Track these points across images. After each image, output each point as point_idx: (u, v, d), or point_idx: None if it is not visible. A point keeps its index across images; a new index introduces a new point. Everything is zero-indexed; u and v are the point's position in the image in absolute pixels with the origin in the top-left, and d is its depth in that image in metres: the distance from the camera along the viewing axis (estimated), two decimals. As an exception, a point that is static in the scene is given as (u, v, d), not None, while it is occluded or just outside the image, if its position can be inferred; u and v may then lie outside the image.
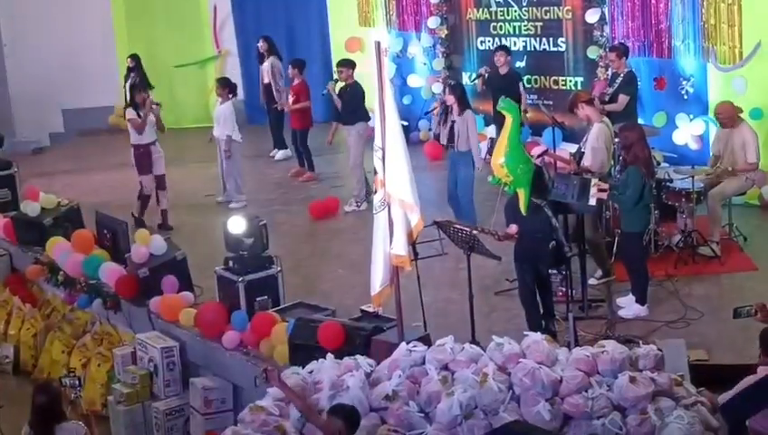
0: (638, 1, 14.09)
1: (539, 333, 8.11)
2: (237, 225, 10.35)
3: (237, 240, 10.40)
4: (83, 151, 18.73)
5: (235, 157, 14.34)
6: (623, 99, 12.64)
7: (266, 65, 16.59)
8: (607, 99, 12.75)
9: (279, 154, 16.79)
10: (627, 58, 13.13)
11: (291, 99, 15.51)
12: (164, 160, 13.77)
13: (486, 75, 14.51)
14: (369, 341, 8.75)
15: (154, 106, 13.66)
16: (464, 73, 16.44)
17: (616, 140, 10.72)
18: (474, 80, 15.00)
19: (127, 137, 13.99)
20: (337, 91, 14.27)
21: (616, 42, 14.19)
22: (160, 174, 13.71)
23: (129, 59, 17.07)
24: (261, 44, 16.79)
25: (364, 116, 14.06)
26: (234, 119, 14.23)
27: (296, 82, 15.50)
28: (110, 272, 11.31)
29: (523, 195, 9.17)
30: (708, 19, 13.22)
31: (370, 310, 9.31)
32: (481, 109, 15.54)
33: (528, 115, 14.57)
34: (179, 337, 10.33)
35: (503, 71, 14.35)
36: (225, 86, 14.58)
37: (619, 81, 12.91)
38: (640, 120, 13.32)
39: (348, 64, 14.26)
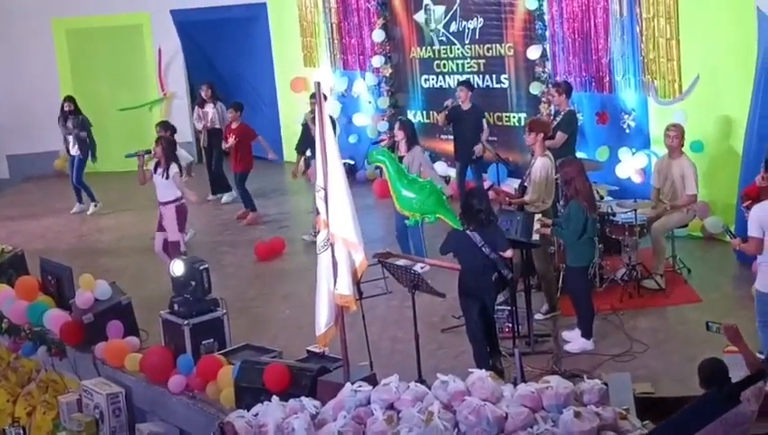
0: (578, 37, 14.27)
1: (483, 369, 8.12)
2: (178, 268, 10.31)
3: (183, 283, 10.34)
4: (29, 197, 18.57)
5: None
6: (561, 136, 12.65)
7: (211, 110, 16.61)
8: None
9: (225, 197, 16.75)
10: (569, 97, 13.20)
11: (232, 140, 15.48)
12: (174, 225, 12.49)
13: (450, 108, 14.42)
14: (315, 382, 8.71)
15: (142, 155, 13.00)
16: (409, 111, 16.51)
17: (557, 174, 10.82)
18: (439, 112, 14.96)
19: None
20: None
21: (558, 78, 14.34)
22: (171, 240, 12.52)
23: (66, 102, 16.89)
24: (204, 90, 16.84)
25: None
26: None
27: (235, 124, 15.51)
28: (54, 318, 11.19)
29: (445, 217, 9.25)
30: (648, 54, 13.41)
31: (317, 350, 9.29)
32: (426, 145, 15.61)
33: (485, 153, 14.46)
34: (125, 383, 10.21)
35: (465, 106, 14.27)
36: (167, 129, 14.50)
37: (559, 118, 13.01)
38: (583, 155, 13.46)
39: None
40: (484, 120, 14.34)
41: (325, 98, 13.90)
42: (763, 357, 9.04)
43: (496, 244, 9.23)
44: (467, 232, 9.20)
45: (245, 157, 15.42)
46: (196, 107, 17.07)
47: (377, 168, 11.24)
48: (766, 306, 8.72)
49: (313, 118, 14.10)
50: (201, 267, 10.39)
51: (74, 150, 16.69)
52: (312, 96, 14.40)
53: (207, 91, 16.83)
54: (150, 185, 12.74)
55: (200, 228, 15.21)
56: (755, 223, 8.60)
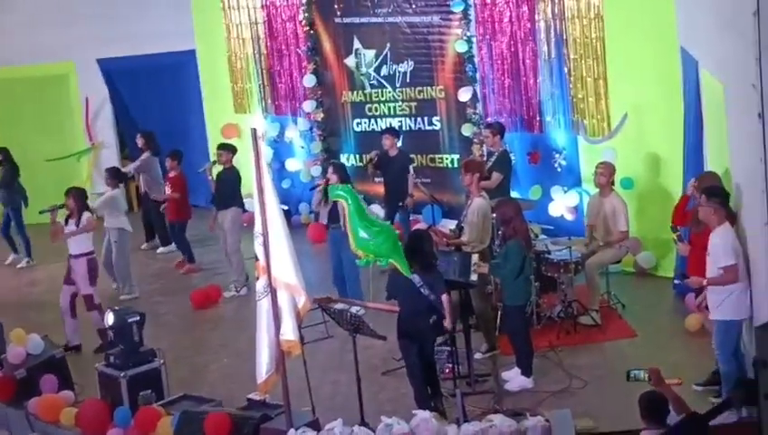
0: (508, 78, 14.43)
1: (427, 411, 8.12)
2: (109, 319, 10.26)
3: (114, 335, 10.27)
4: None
5: (124, 247, 14.20)
6: (496, 177, 12.83)
7: (140, 160, 16.52)
8: None
9: (162, 248, 16.56)
10: (502, 137, 13.36)
11: (168, 190, 15.40)
12: (86, 278, 12.24)
13: (376, 159, 14.45)
14: (258, 430, 8.64)
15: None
16: (341, 155, 16.53)
17: (494, 215, 10.90)
18: (365, 166, 15.03)
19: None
20: (215, 173, 14.24)
21: (489, 119, 14.48)
22: (84, 293, 12.29)
23: None
24: (138, 140, 16.71)
25: (238, 202, 14.10)
26: (116, 206, 14.06)
27: (173, 173, 15.41)
28: (-15, 375, 10.97)
29: (395, 262, 9.28)
30: (576, 93, 13.61)
31: (258, 398, 9.22)
32: (359, 189, 15.61)
33: (414, 197, 14.42)
34: (61, 438, 10.05)
35: (392, 153, 14.35)
36: (114, 177, 14.41)
37: (493, 159, 13.15)
38: (516, 194, 13.59)
39: (227, 148, 14.35)
40: (411, 167, 14.34)
41: (228, 150, 14.06)
42: (699, 389, 9.21)
43: (435, 287, 9.26)
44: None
45: (180, 206, 15.32)
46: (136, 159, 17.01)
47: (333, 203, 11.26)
48: (732, 333, 8.74)
49: (210, 167, 14.22)
50: (130, 319, 10.27)
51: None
52: (219, 147, 14.46)
53: (141, 140, 16.58)
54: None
55: (134, 278, 15.01)
56: (729, 249, 8.58)
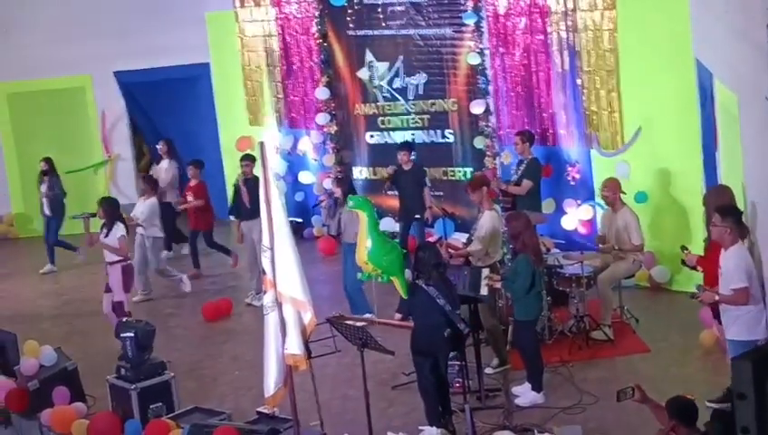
0: (521, 91, 14.40)
1: (434, 427, 8.08)
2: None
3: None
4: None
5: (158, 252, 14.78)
6: (526, 184, 13.00)
7: (165, 166, 16.63)
8: (513, 183, 13.27)
9: (184, 249, 16.67)
10: (531, 145, 13.47)
11: (190, 198, 15.46)
12: (120, 285, 12.40)
13: (393, 174, 14.51)
14: (266, 444, 8.61)
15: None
16: (354, 168, 16.52)
17: (506, 228, 10.87)
18: (384, 181, 15.05)
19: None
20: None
21: (501, 132, 14.48)
22: (115, 300, 12.44)
23: (42, 162, 16.96)
24: (161, 146, 16.95)
25: None
26: (156, 214, 14.53)
27: (194, 182, 15.51)
28: (-1, 386, 10.99)
29: (397, 281, 9.29)
30: (590, 106, 13.56)
31: (267, 412, 9.20)
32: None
33: (432, 210, 14.44)
34: (72, 450, 10.04)
35: (406, 167, 14.40)
36: (153, 185, 14.89)
37: (523, 166, 13.27)
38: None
39: (251, 158, 14.44)
40: (427, 180, 14.35)
41: (253, 160, 14.16)
42: (713, 406, 9.11)
43: (452, 298, 9.22)
44: (423, 286, 9.19)
45: (206, 214, 15.40)
46: (154, 163, 17.10)
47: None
48: None
49: (245, 180, 14.22)
50: (126, 336, 10.22)
51: (47, 211, 16.71)
52: (243, 158, 14.54)
53: (164, 146, 16.91)
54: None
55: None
56: (742, 272, 8.44)
